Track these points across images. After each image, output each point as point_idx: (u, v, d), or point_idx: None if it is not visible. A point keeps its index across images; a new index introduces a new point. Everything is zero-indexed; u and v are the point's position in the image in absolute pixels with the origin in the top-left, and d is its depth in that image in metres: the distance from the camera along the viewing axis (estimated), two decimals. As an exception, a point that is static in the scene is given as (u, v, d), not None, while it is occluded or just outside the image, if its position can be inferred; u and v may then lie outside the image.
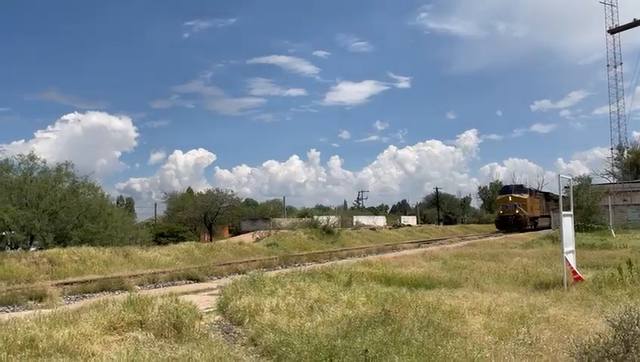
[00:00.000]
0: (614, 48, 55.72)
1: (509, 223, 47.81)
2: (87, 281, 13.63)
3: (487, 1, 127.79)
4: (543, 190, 63.14)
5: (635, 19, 52.54)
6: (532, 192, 53.29)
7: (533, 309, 6.95)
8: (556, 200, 56.85)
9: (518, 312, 6.72)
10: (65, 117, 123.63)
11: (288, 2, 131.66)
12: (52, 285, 12.48)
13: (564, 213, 9.66)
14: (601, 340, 4.56)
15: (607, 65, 56.33)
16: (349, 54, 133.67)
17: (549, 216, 54.95)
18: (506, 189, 52.69)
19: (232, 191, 61.56)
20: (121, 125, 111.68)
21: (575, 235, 10.90)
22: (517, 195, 49.25)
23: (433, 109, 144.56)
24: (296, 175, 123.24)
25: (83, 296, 11.96)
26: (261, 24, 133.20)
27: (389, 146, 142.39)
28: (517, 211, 47.90)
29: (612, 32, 54.81)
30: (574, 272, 9.45)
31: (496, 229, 50.91)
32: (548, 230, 36.79)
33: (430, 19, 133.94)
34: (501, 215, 50.37)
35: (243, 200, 72.68)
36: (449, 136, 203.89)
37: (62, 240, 23.28)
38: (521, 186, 52.78)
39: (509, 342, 5.40)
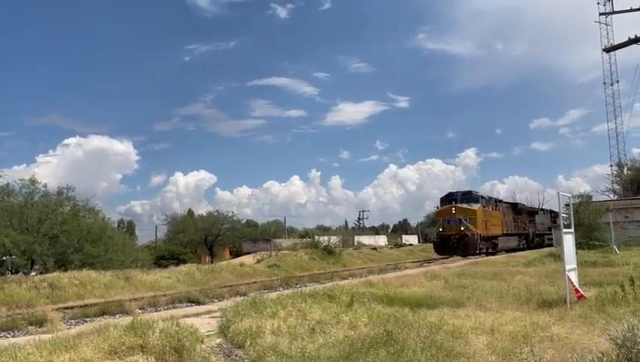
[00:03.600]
0: (610, 66, 56.33)
1: (450, 245, 35.97)
2: (87, 305, 13.57)
3: (484, 21, 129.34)
4: (509, 200, 51.78)
5: (629, 37, 53.19)
6: (488, 202, 39.98)
7: (537, 328, 6.91)
8: (531, 214, 51.49)
9: (522, 331, 6.67)
10: (66, 141, 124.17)
11: (288, 25, 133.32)
12: (52, 309, 12.41)
13: (565, 230, 9.66)
14: (605, 359, 4.54)
15: (604, 83, 56.88)
16: (348, 75, 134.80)
17: (518, 235, 46.20)
18: (449, 197, 38.62)
19: (232, 213, 61.71)
20: (123, 148, 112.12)
21: (577, 253, 10.87)
22: (463, 206, 36.63)
23: (433, 128, 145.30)
24: (296, 195, 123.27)
25: (84, 321, 11.89)
26: (261, 47, 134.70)
27: (390, 165, 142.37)
28: (462, 228, 35.45)
29: (607, 50, 55.45)
30: (577, 290, 9.40)
31: (435, 254, 38.01)
32: (550, 248, 36.28)
33: (429, 40, 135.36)
34: (441, 234, 37.27)
35: (244, 221, 72.63)
36: (449, 154, 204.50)
37: (62, 264, 23.21)
38: (469, 193, 38.77)
39: (512, 361, 5.37)
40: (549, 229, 53.65)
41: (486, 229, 37.72)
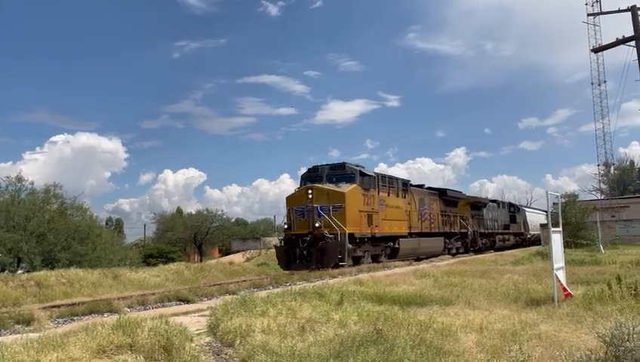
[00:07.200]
0: (598, 67, 56.78)
1: (297, 253, 21.08)
2: (75, 304, 13.40)
3: (474, 21, 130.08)
4: (436, 186, 34.73)
5: (617, 38, 53.70)
6: (376, 183, 24.05)
7: (525, 326, 6.96)
8: (476, 207, 37.45)
9: (510, 329, 6.72)
10: (54, 138, 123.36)
11: (279, 22, 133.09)
12: (40, 308, 12.26)
13: (553, 229, 9.74)
14: (593, 356, 4.58)
15: (592, 84, 57.39)
16: (339, 74, 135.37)
17: (446, 235, 31.53)
18: (312, 174, 23.43)
19: (222, 211, 61.70)
20: (111, 146, 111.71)
21: (564, 251, 10.97)
22: (326, 187, 21.89)
23: (423, 127, 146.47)
24: (286, 193, 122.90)
25: (71, 319, 11.74)
26: (251, 44, 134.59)
27: (380, 164, 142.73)
28: (317, 225, 20.90)
29: (595, 51, 55.88)
30: (564, 289, 9.49)
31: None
32: (538, 246, 35.67)
33: (419, 39, 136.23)
34: (287, 233, 22.20)
35: (233, 219, 72.64)
36: (439, 153, 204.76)
37: (50, 263, 23.06)
38: (341, 167, 22.96)
39: (501, 359, 5.40)
40: (506, 227, 43.84)
41: (369, 225, 23.02)
